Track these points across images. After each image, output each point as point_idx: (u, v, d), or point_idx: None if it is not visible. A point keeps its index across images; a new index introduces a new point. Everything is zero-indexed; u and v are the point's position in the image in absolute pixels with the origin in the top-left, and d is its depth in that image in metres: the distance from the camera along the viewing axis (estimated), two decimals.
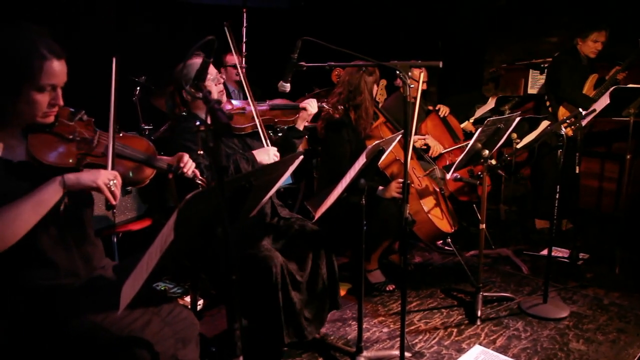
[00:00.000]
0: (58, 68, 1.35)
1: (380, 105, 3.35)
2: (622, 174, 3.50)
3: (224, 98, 2.24)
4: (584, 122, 2.86)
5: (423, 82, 3.28)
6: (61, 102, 1.40)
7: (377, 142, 1.97)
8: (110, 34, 3.70)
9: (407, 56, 1.98)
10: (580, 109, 2.79)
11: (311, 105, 2.46)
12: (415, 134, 3.21)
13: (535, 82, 5.11)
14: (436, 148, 3.52)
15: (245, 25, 3.92)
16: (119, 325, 1.35)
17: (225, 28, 2.19)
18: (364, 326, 2.25)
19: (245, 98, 2.64)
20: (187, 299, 2.69)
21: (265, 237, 2.15)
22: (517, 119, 2.73)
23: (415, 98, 3.17)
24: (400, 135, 2.20)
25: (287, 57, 1.88)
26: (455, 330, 2.52)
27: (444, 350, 2.34)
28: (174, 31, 4.02)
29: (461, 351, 2.32)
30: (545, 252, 3.11)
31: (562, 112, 3.76)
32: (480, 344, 2.38)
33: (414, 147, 3.20)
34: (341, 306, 2.32)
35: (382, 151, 2.01)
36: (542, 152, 3.97)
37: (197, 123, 1.98)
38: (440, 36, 5.54)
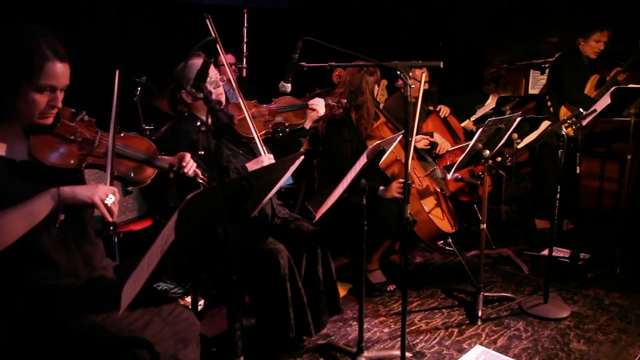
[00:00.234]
0: (59, 70, 1.34)
1: (381, 105, 3.35)
2: (622, 174, 3.49)
3: (223, 99, 2.24)
4: (584, 122, 2.86)
5: (425, 82, 3.28)
6: (59, 105, 1.39)
7: (377, 142, 1.97)
8: (111, 34, 3.70)
9: (408, 56, 1.98)
10: (581, 109, 2.79)
11: (320, 106, 2.46)
12: (417, 134, 3.21)
13: (535, 82, 5.11)
14: (444, 145, 3.51)
15: (245, 25, 3.93)
16: (120, 326, 1.35)
17: (207, 20, 2.15)
18: (364, 326, 2.25)
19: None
20: (188, 299, 2.69)
21: (265, 237, 2.15)
22: (518, 119, 2.73)
23: (417, 98, 3.17)
24: (401, 136, 2.20)
25: (287, 57, 1.88)
26: (456, 330, 2.52)
27: (444, 350, 2.34)
28: (174, 31, 4.02)
29: (462, 351, 2.32)
30: (546, 252, 3.11)
31: (564, 112, 3.76)
32: (481, 344, 2.38)
33: (415, 147, 3.19)
34: (342, 311, 2.32)
35: (383, 151, 2.01)
36: (543, 152, 3.97)
37: (198, 124, 1.98)
38: (440, 36, 5.54)
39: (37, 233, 1.35)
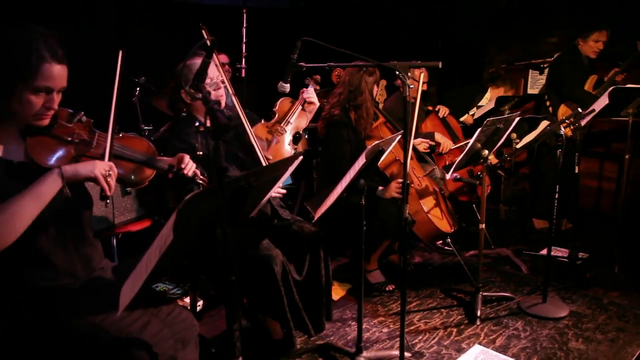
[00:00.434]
0: (56, 72, 1.34)
1: (380, 105, 3.35)
2: (621, 173, 3.50)
3: (223, 101, 2.23)
4: (583, 122, 2.87)
5: (423, 82, 3.29)
6: (56, 107, 1.38)
7: (376, 142, 1.97)
8: (110, 34, 3.70)
9: (408, 57, 1.98)
10: (580, 109, 2.80)
11: (313, 96, 2.49)
12: (415, 134, 3.21)
13: (534, 82, 5.11)
14: (446, 144, 3.52)
15: (245, 25, 3.92)
16: (118, 326, 1.35)
17: (203, 31, 2.18)
18: (363, 326, 2.25)
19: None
20: (187, 299, 2.69)
21: (264, 238, 2.15)
22: (517, 119, 2.73)
23: (415, 98, 3.18)
24: (400, 136, 2.20)
25: (286, 57, 1.88)
26: (455, 330, 2.53)
27: (443, 350, 2.34)
28: (173, 32, 4.02)
29: (461, 351, 2.33)
30: (544, 251, 3.11)
31: (562, 112, 3.76)
32: (480, 343, 2.38)
33: (414, 147, 3.20)
34: (332, 318, 2.33)
35: (382, 151, 2.01)
36: (542, 152, 3.97)
37: (197, 124, 1.97)
38: (440, 37, 5.54)
39: (36, 234, 1.35)
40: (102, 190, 1.40)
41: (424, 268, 3.37)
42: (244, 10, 3.91)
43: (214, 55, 2.19)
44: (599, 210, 4.32)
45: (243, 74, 3.98)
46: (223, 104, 2.10)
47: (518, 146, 3.41)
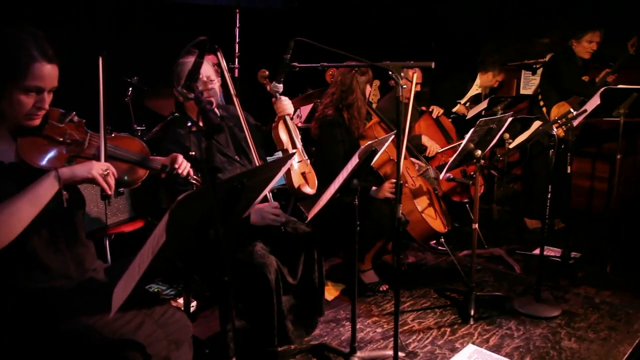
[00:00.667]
0: (47, 71, 1.33)
1: (374, 105, 3.35)
2: (612, 173, 3.53)
3: (217, 98, 2.23)
4: (575, 123, 2.89)
5: (417, 83, 3.29)
6: (46, 107, 1.37)
7: (369, 142, 1.97)
8: (103, 34, 3.68)
9: (401, 57, 1.98)
10: (572, 110, 2.82)
11: (285, 107, 2.29)
12: (409, 134, 3.21)
13: (527, 82, 5.15)
14: (432, 147, 3.53)
15: (238, 25, 3.91)
16: (111, 328, 1.34)
17: (219, 53, 2.22)
18: (357, 326, 2.26)
19: (228, 101, 2.63)
20: (180, 300, 2.68)
21: (258, 239, 2.14)
22: (510, 119, 2.75)
23: (409, 99, 3.18)
24: (393, 136, 2.20)
25: (280, 57, 1.88)
26: (448, 329, 2.53)
27: (437, 349, 2.35)
28: (166, 31, 4.00)
29: (454, 350, 2.33)
30: (537, 251, 3.13)
31: (555, 112, 3.79)
32: (473, 343, 2.39)
33: (407, 147, 3.20)
34: (324, 313, 2.32)
35: (375, 152, 2.01)
36: (534, 152, 4.00)
37: (189, 124, 1.97)
38: (433, 37, 5.56)
39: (28, 235, 1.34)
40: (103, 190, 1.40)
41: (418, 268, 3.38)
42: (237, 10, 3.90)
43: (220, 56, 2.21)
44: (591, 210, 4.35)
45: (236, 74, 3.98)
46: (215, 103, 2.10)
47: (511, 146, 3.43)
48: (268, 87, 2.20)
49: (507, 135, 3.32)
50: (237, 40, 3.92)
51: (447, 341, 2.42)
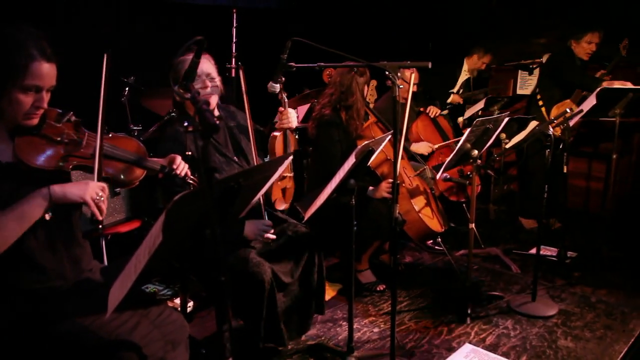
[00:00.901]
0: (45, 70, 1.33)
1: (371, 105, 3.35)
2: (608, 173, 3.53)
3: (216, 98, 2.22)
4: (571, 123, 2.89)
5: (414, 84, 3.30)
6: (45, 106, 1.37)
7: (366, 142, 1.97)
8: (100, 33, 3.67)
9: (398, 57, 1.99)
10: (568, 110, 2.82)
11: (291, 120, 2.31)
12: (406, 134, 3.22)
13: (524, 82, 5.16)
14: (422, 149, 3.58)
15: (235, 25, 3.90)
16: (108, 328, 1.34)
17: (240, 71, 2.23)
18: (354, 326, 2.26)
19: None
20: (177, 301, 2.67)
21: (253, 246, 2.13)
22: (506, 119, 2.75)
23: (406, 99, 3.19)
24: (390, 136, 2.20)
25: (277, 57, 1.88)
26: (445, 329, 2.54)
27: (434, 349, 2.35)
28: (163, 31, 4.00)
29: (451, 350, 2.34)
30: (533, 250, 3.14)
31: (555, 112, 3.79)
32: (470, 342, 2.40)
33: (405, 147, 3.21)
34: (324, 311, 2.32)
35: (372, 151, 2.01)
36: (530, 152, 4.00)
37: (185, 124, 1.96)
38: (430, 37, 5.57)
39: (24, 236, 1.33)
40: (93, 215, 1.38)
41: (415, 268, 3.38)
42: (234, 10, 3.89)
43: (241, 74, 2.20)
44: (588, 210, 4.36)
45: (233, 74, 3.97)
46: (213, 104, 2.09)
47: (507, 146, 3.44)
48: (280, 96, 2.21)
49: (503, 135, 3.33)
50: (234, 40, 3.92)
51: (444, 340, 2.43)
